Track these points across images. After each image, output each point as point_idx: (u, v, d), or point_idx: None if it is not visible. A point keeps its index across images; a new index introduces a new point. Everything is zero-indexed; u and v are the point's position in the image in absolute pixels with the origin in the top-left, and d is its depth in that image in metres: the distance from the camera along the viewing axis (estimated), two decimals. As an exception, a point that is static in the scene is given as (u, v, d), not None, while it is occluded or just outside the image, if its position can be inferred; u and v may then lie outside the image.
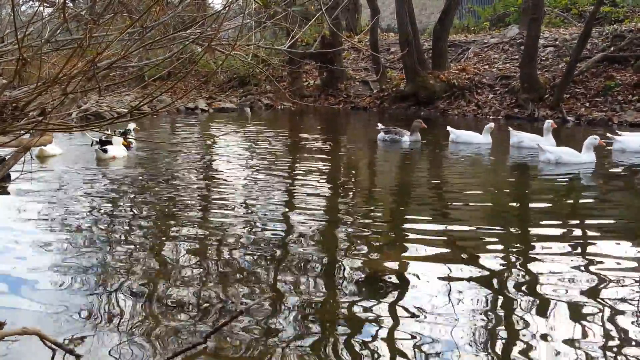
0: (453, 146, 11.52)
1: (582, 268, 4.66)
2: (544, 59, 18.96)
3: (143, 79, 5.98)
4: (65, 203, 6.76)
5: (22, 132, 2.96)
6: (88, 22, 3.25)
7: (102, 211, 6.46)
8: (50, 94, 3.03)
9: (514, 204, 7.14)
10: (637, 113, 15.20)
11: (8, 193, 7.31)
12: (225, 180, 8.40)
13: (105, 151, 9.87)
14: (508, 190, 8.03)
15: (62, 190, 7.47)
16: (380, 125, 12.22)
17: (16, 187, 7.34)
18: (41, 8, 3.56)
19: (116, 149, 10.01)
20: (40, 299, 4.03)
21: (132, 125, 11.81)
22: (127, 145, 10.52)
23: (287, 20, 5.21)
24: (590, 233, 5.71)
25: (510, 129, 11.51)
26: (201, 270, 4.63)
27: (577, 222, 6.09)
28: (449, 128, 12.00)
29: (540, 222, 6.04)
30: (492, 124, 11.74)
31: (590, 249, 5.17)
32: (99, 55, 2.68)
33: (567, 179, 8.54)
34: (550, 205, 6.92)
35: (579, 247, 5.22)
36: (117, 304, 3.95)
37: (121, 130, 11.25)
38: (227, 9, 3.35)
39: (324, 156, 10.52)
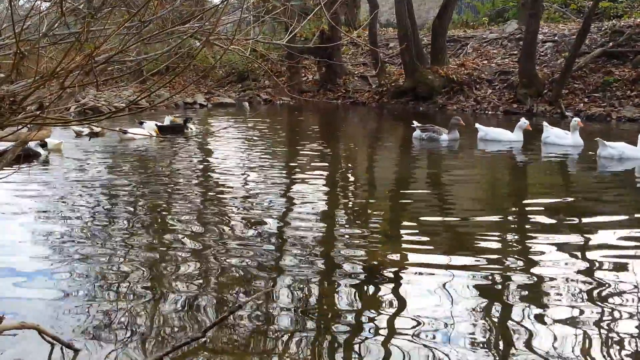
0: (482, 144, 10.98)
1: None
2: (542, 54, 18.95)
3: (141, 73, 5.98)
4: (65, 195, 6.76)
5: (20, 126, 2.96)
6: (86, 16, 3.24)
7: (102, 204, 6.46)
8: (47, 88, 3.02)
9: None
10: (635, 108, 15.20)
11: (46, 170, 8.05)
12: (226, 174, 8.40)
13: (125, 132, 10.97)
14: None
15: (63, 181, 7.47)
16: (415, 123, 11.50)
17: (20, 178, 7.34)
18: (38, 2, 3.55)
19: (138, 131, 11.19)
20: (39, 293, 4.04)
21: (169, 118, 12.58)
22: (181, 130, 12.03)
23: (286, 14, 5.20)
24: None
25: (544, 123, 11.06)
26: (199, 264, 4.64)
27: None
28: (477, 125, 11.48)
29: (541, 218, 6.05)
30: (525, 121, 11.07)
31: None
32: (97, 50, 2.68)
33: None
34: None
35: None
36: (116, 298, 3.95)
37: (185, 119, 12.50)
38: (225, 3, 3.34)
39: (335, 155, 10.51)
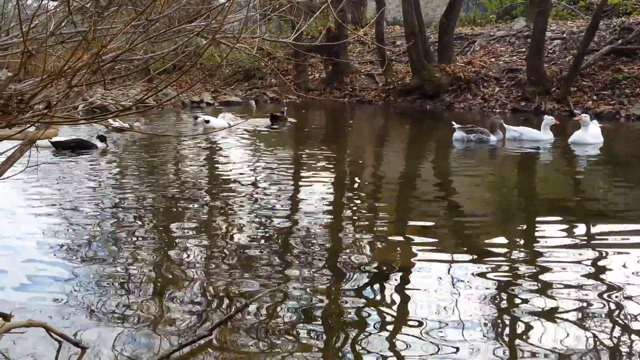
0: (515, 144, 10.47)
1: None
2: (551, 51, 18.82)
3: (148, 72, 6.00)
4: (72, 193, 6.79)
5: (28, 124, 2.97)
6: (93, 14, 3.24)
7: (109, 202, 6.48)
8: (55, 87, 3.03)
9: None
10: (644, 106, 15.08)
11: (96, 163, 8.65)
12: (233, 172, 8.40)
13: (207, 122, 12.58)
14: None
15: (69, 181, 7.50)
16: (455, 125, 10.80)
17: (25, 177, 7.37)
18: (46, 1, 3.56)
19: (217, 121, 12.68)
20: (47, 291, 4.05)
21: (228, 115, 13.70)
22: (285, 120, 13.78)
23: (292, 12, 5.18)
24: None
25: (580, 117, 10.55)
26: (207, 262, 4.64)
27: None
28: (506, 126, 10.95)
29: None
30: (551, 118, 10.74)
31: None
32: (104, 48, 2.68)
33: None
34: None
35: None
36: (123, 296, 3.96)
37: (282, 111, 14.29)
38: (232, 1, 3.33)
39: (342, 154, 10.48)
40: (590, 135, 10.25)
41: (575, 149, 10.10)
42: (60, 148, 9.47)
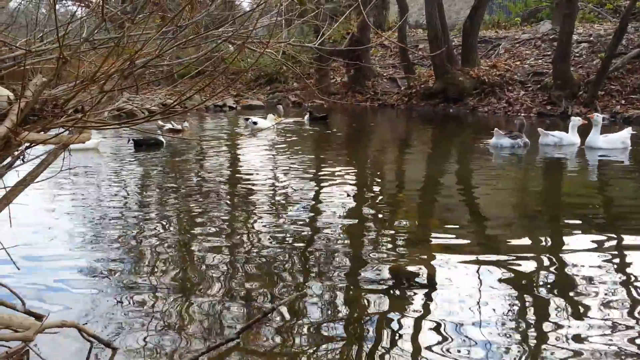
0: (554, 150, 10.33)
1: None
2: (577, 55, 18.56)
3: (174, 77, 6.08)
4: (98, 197, 6.91)
5: (62, 129, 3.04)
6: (124, 21, 3.31)
7: (135, 206, 6.58)
8: (88, 92, 3.10)
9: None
10: (674, 110, 14.75)
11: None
12: (255, 176, 8.45)
13: (255, 123, 13.92)
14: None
15: (95, 182, 7.64)
16: (498, 131, 10.49)
17: (52, 181, 7.53)
18: (79, 9, 3.65)
19: (264, 122, 13.98)
20: (79, 294, 4.13)
21: (271, 116, 14.79)
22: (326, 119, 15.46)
23: (318, 17, 5.21)
24: None
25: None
26: (233, 268, 4.68)
27: None
28: (541, 130, 10.70)
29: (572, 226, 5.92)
30: (578, 118, 10.65)
31: None
32: (137, 54, 2.73)
33: None
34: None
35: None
36: (152, 300, 4.02)
37: (323, 114, 15.84)
38: (259, 7, 3.37)
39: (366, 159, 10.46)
40: (603, 140, 10.07)
41: (588, 153, 9.95)
42: (145, 146, 10.95)
